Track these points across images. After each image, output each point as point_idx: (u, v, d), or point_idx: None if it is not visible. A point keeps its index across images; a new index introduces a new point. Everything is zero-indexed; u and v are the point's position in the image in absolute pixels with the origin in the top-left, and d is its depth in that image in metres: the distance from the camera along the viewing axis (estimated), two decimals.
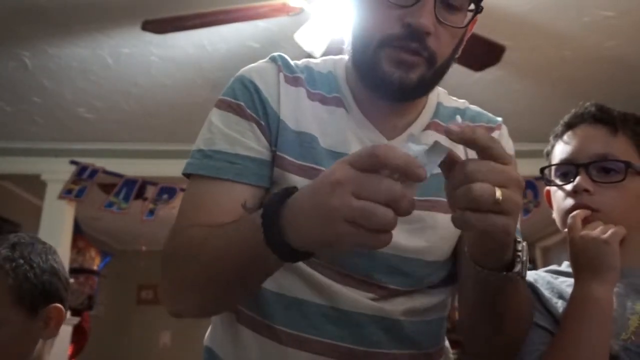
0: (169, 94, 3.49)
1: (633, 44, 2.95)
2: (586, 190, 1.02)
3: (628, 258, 0.98)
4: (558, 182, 1.08)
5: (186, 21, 2.40)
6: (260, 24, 2.72)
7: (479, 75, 2.90)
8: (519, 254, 0.70)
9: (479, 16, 0.85)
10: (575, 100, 1.16)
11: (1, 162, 4.17)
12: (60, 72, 3.26)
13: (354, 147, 0.86)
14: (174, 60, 3.13)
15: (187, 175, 0.86)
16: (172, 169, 3.04)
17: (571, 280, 1.01)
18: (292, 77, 0.90)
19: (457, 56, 0.87)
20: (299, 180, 0.83)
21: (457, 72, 2.62)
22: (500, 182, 0.59)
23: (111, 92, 3.47)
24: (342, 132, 0.88)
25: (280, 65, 0.91)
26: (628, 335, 0.94)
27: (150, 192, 4.08)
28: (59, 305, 1.13)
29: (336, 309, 0.84)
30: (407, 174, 0.57)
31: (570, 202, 1.03)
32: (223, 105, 0.88)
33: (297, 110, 0.88)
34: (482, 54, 2.50)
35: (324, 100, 0.90)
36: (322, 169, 0.83)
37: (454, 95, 1.01)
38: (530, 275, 1.10)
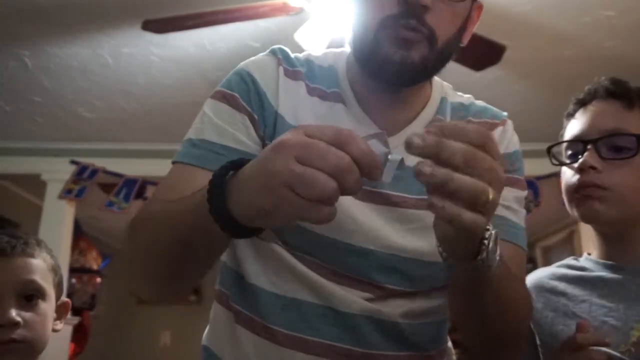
0: (169, 93, 3.49)
1: (633, 44, 2.95)
2: (593, 168, 0.95)
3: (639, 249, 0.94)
4: (567, 161, 1.02)
5: (186, 21, 2.40)
6: (261, 23, 2.72)
7: (479, 75, 2.89)
8: (485, 241, 0.64)
9: (481, 12, 0.83)
10: None
11: (1, 162, 4.17)
12: (60, 72, 3.26)
13: None
14: (174, 60, 3.13)
15: (174, 163, 0.85)
16: None
17: (583, 274, 0.99)
18: (292, 71, 0.89)
19: (461, 44, 0.85)
20: None
21: (457, 71, 2.65)
22: (491, 182, 0.54)
23: (111, 91, 3.47)
24: None
25: (280, 58, 0.89)
26: (627, 347, 0.88)
27: (150, 192, 4.07)
28: (68, 300, 1.18)
29: (333, 310, 0.82)
30: (363, 168, 0.54)
31: (576, 179, 0.97)
32: (218, 95, 0.87)
33: (296, 105, 0.86)
34: (483, 53, 2.50)
35: (323, 96, 0.89)
36: None
37: None
38: (533, 278, 1.07)
